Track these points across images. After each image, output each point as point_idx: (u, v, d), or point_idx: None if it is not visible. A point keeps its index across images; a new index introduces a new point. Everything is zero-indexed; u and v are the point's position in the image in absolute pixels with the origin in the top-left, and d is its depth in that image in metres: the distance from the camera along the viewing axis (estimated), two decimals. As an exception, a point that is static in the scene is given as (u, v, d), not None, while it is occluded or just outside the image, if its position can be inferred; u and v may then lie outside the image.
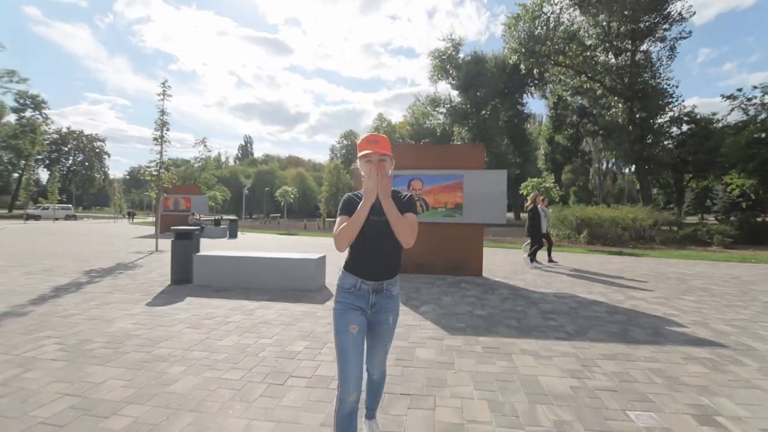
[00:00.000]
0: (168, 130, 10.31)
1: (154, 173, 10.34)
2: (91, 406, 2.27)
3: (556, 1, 24.98)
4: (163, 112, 10.21)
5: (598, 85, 25.83)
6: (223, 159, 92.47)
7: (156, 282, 6.00)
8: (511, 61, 27.63)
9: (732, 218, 19.55)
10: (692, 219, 31.64)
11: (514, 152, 38.50)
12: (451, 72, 38.20)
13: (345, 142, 57.98)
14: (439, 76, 38.95)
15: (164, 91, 10.24)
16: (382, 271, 1.68)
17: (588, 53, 25.34)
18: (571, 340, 3.55)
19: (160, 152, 10.19)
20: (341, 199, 1.71)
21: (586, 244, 14.98)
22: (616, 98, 25.27)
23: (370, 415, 1.95)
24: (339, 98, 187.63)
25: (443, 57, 38.39)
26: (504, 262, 8.97)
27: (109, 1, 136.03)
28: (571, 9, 24.98)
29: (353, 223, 1.53)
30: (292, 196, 25.54)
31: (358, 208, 1.53)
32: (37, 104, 45.74)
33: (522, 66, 26.16)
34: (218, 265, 5.78)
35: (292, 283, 5.57)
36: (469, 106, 36.82)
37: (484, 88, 35.99)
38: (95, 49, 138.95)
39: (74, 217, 38.90)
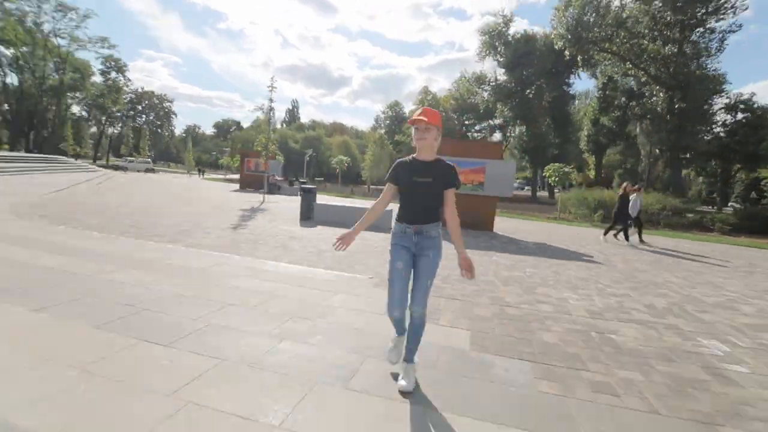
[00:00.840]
0: (274, 114, 14.27)
1: (262, 146, 14.42)
2: (349, 255, 6.09)
3: (609, -13, 25.95)
4: (271, 100, 14.15)
5: (642, 72, 26.93)
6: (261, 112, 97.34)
7: (290, 218, 10.00)
8: (556, 47, 29.03)
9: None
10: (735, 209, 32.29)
11: (554, 132, 39.77)
12: (499, 49, 39.38)
13: (390, 113, 60.60)
14: (487, 52, 40.22)
15: (272, 84, 14.10)
16: (420, 218, 2.19)
17: (635, 41, 26.33)
18: (525, 255, 7.04)
19: (268, 131, 14.20)
20: (393, 163, 2.23)
21: (600, 222, 17.74)
22: (657, 87, 26.38)
23: (409, 359, 2.25)
24: (383, 62, 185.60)
25: (493, 33, 39.54)
26: (516, 225, 12.29)
27: None
28: (625, -4, 25.88)
29: (367, 214, 2.34)
30: (345, 164, 29.40)
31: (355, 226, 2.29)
32: (120, 68, 52.15)
33: (566, 52, 27.62)
34: (329, 209, 9.67)
35: (375, 224, 9.35)
36: (513, 84, 38.28)
37: (531, 67, 37.16)
38: (149, 5, 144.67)
39: (153, 171, 45.32)
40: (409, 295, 2.20)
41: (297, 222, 9.38)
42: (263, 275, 4.42)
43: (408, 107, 58.41)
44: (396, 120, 57.92)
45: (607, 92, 42.75)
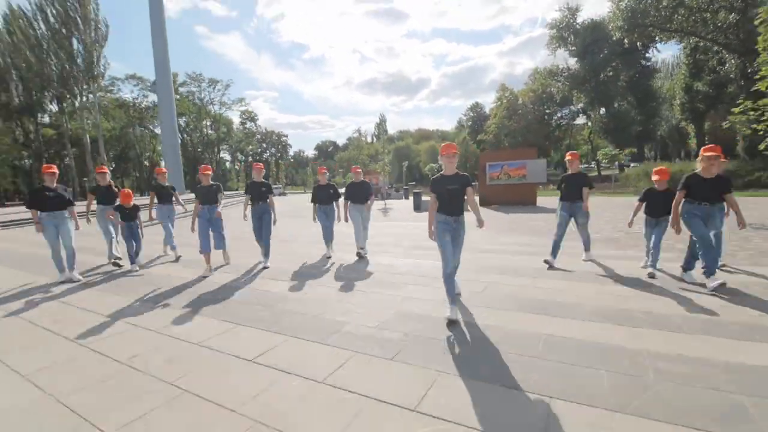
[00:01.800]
0: (384, 141, 21.91)
1: (379, 168, 22.27)
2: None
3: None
4: (379, 136, 21.84)
5: (711, 43, 28.30)
6: (362, 138, 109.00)
7: (408, 209, 17.28)
8: (614, 38, 31.72)
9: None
10: None
11: (636, 110, 40.76)
12: (569, 39, 42.20)
13: (471, 114, 65.61)
14: (558, 45, 43.28)
15: (380, 126, 21.80)
16: (455, 212, 3.67)
17: (697, 15, 28.00)
18: (540, 213, 13.14)
19: (383, 158, 21.98)
20: (432, 179, 3.73)
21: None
22: (728, 54, 27.58)
23: (455, 301, 3.65)
24: (459, 56, 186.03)
25: (560, 26, 42.58)
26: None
27: (252, 6, 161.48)
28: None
29: (430, 216, 3.76)
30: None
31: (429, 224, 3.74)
32: (252, 117, 67.80)
33: (626, 41, 30.33)
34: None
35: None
36: (586, 71, 40.67)
37: (602, 52, 39.27)
38: (247, 51, 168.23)
39: (284, 194, 58.27)
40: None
41: (412, 211, 16.66)
42: (409, 228, 11.67)
43: (489, 100, 62.11)
44: (478, 120, 62.69)
45: (697, 56, 41.82)
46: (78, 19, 44.57)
